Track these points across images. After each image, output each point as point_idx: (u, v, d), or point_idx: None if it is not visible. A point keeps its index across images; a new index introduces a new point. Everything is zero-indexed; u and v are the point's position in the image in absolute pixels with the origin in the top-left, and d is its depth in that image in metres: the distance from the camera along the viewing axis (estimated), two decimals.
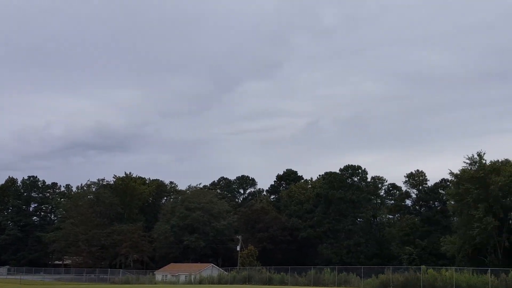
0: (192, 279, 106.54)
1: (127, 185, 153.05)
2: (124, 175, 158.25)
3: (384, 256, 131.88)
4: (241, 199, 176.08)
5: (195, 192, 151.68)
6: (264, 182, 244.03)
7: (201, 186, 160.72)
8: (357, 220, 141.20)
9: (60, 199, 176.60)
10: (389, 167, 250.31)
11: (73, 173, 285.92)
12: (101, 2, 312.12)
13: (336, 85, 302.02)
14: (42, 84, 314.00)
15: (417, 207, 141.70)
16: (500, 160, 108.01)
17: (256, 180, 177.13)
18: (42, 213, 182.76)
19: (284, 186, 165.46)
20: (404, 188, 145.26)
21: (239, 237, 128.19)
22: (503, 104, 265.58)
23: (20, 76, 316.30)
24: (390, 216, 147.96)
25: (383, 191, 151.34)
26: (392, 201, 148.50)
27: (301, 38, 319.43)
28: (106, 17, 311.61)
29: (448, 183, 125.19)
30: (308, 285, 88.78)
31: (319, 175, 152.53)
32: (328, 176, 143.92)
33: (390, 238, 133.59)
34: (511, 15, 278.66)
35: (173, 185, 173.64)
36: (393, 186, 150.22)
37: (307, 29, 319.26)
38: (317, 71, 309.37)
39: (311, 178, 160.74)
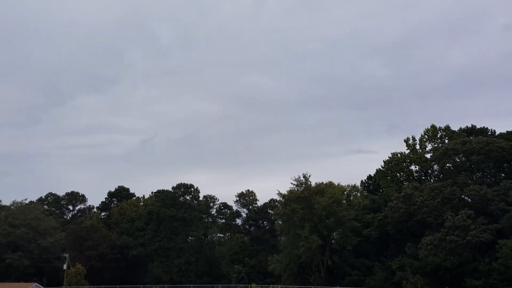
0: None
1: None
2: None
3: (214, 274, 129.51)
4: (70, 216, 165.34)
5: (20, 208, 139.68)
6: (95, 199, 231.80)
7: (27, 201, 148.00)
8: (188, 238, 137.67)
9: None
10: (221, 186, 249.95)
11: None
12: None
13: (171, 103, 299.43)
14: None
15: (247, 226, 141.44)
16: (324, 182, 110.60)
17: (87, 196, 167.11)
18: None
19: (115, 203, 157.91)
20: (235, 208, 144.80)
21: (66, 255, 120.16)
22: (326, 129, 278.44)
23: None
24: (221, 235, 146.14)
25: (214, 210, 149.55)
26: (223, 220, 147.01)
27: (137, 54, 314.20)
28: None
29: (277, 203, 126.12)
30: None
31: (152, 193, 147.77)
32: (160, 194, 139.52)
33: (220, 256, 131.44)
34: (335, 45, 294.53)
35: None
36: (225, 205, 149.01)
37: (143, 46, 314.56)
38: (152, 89, 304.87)
39: (144, 196, 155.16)
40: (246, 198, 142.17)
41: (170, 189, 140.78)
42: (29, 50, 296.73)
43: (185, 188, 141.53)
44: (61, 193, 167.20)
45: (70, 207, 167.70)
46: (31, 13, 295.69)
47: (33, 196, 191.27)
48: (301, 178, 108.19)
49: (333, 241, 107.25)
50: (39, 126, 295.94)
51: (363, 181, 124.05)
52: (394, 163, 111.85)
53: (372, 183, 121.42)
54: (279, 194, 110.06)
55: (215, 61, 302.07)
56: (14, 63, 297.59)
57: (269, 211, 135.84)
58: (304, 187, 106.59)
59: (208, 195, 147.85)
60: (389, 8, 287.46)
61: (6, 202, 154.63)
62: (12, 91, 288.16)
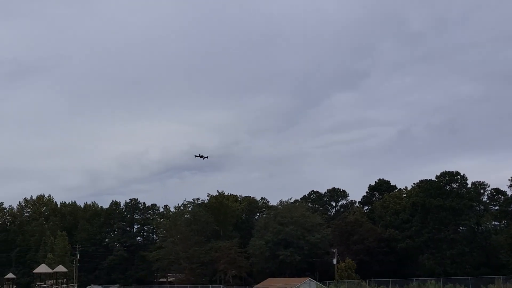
0: None
1: (221, 203, 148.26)
2: (217, 194, 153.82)
3: (493, 265, 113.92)
4: (333, 211, 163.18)
5: (287, 207, 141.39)
6: (356, 193, 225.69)
7: (292, 200, 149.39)
8: (459, 228, 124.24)
9: (160, 219, 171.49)
10: (490, 171, 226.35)
11: (170, 194, 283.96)
12: (187, 29, 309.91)
13: (427, 90, 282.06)
14: (139, 113, 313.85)
15: None
16: None
17: (348, 192, 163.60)
18: (145, 233, 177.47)
19: (377, 197, 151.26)
20: (509, 193, 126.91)
21: (335, 250, 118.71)
22: None
23: (120, 107, 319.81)
24: (496, 223, 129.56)
25: (486, 197, 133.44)
26: (497, 207, 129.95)
27: (387, 44, 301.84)
28: (194, 45, 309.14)
29: None
30: None
31: (414, 184, 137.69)
32: (424, 184, 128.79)
33: (498, 246, 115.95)
34: None
35: (264, 201, 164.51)
36: (497, 191, 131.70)
37: (393, 35, 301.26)
38: (406, 77, 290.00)
39: (406, 187, 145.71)
40: None
41: (433, 178, 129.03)
42: (281, 58, 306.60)
43: (450, 176, 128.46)
44: (323, 190, 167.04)
45: (333, 203, 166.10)
46: (277, 24, 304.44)
47: (296, 195, 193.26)
48: None
49: None
50: (296, 128, 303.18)
51: None
52: None
53: None
54: None
55: (472, 40, 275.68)
56: (267, 73, 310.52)
57: None
58: None
59: (477, 181, 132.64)
60: None
61: (273, 202, 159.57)
62: (269, 98, 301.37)
